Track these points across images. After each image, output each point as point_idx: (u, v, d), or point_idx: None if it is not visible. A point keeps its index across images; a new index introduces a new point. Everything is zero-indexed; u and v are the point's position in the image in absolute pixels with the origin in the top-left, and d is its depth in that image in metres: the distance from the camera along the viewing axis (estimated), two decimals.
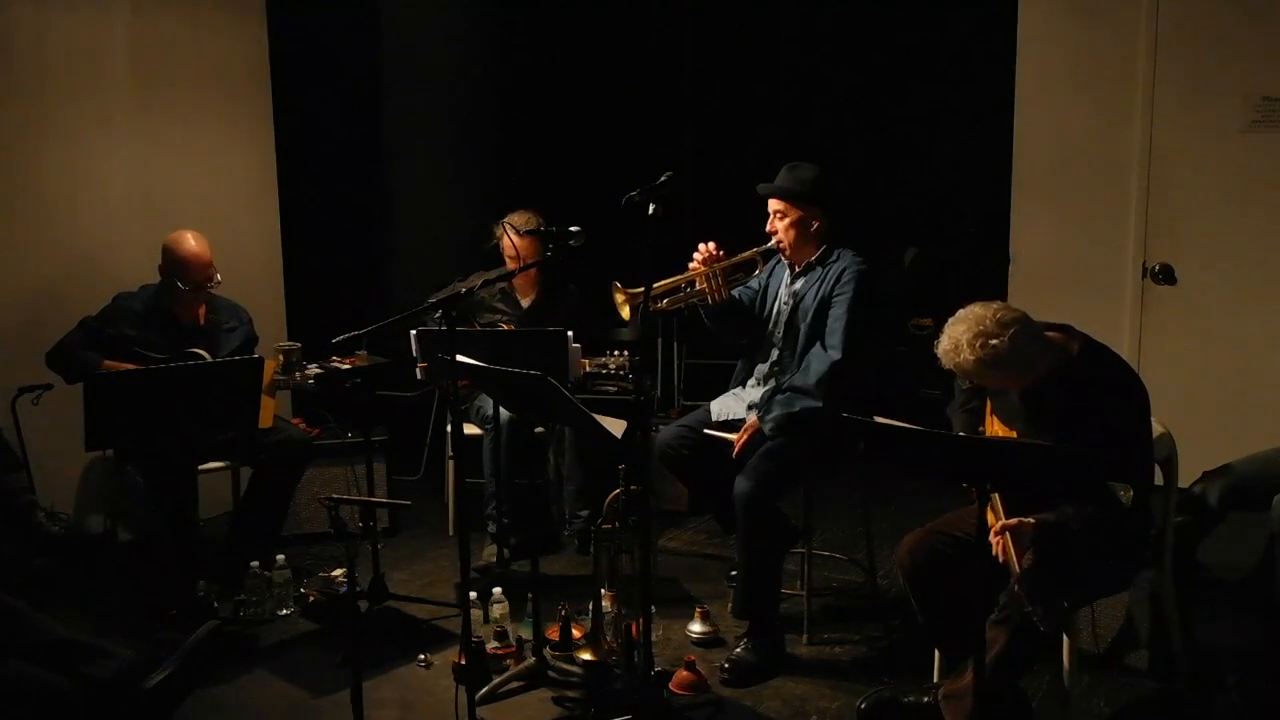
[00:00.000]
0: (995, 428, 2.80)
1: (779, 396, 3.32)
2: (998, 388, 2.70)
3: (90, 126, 4.38)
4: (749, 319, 3.59)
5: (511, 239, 4.16)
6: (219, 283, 3.90)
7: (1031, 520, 2.54)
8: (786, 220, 3.40)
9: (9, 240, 4.16)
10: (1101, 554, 2.64)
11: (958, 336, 2.55)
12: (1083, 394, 2.59)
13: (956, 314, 2.61)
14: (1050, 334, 2.65)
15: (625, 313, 3.40)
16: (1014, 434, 2.74)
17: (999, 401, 2.77)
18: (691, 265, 3.41)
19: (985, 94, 5.15)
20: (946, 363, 2.60)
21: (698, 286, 3.43)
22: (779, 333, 3.51)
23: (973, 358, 2.52)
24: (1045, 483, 2.51)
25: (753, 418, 3.35)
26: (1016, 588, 2.45)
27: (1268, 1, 4.19)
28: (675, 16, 6.36)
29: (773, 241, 3.44)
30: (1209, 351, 4.34)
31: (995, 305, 2.58)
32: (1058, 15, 4.55)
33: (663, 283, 3.37)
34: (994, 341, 2.51)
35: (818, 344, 3.35)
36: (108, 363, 3.74)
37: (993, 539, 2.53)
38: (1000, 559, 2.52)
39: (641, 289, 3.39)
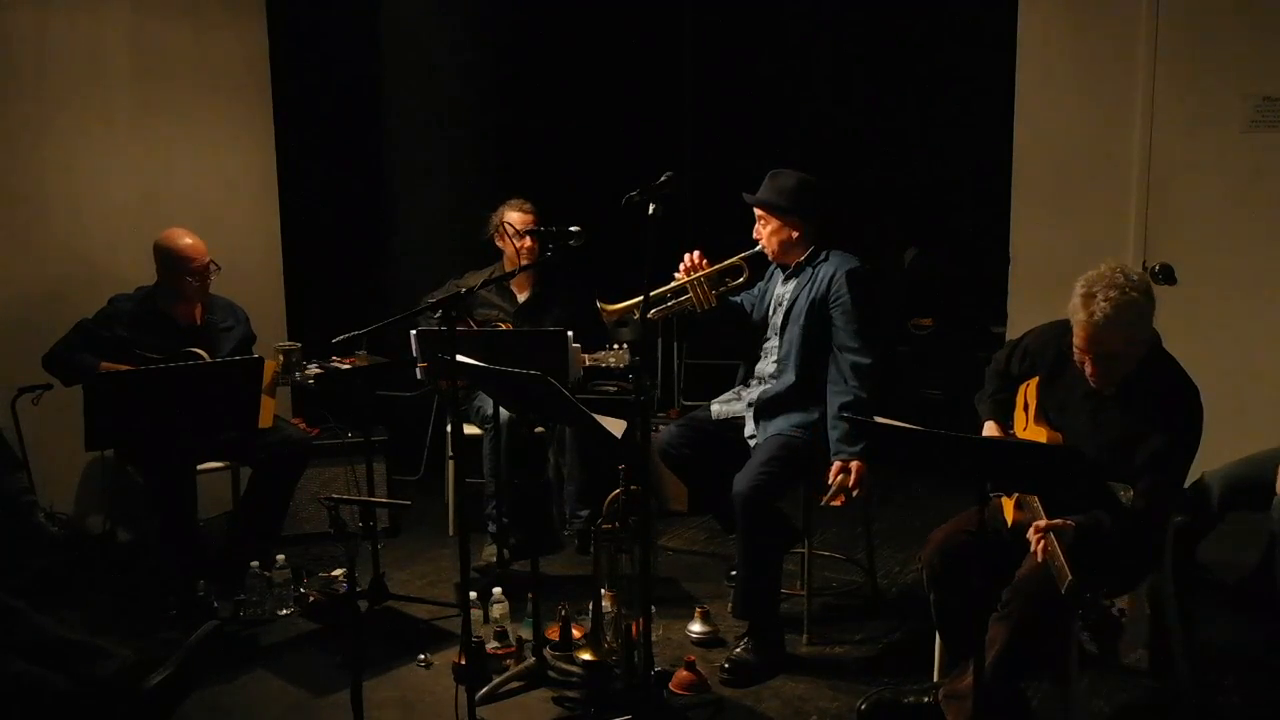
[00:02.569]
0: (1024, 421, 2.79)
1: (841, 419, 3.26)
2: (1105, 365, 2.61)
3: (90, 126, 4.38)
4: (746, 323, 3.63)
5: (515, 231, 4.17)
6: (220, 269, 3.92)
7: (1071, 522, 2.51)
8: (768, 228, 3.50)
9: (9, 240, 4.16)
10: (1122, 556, 2.63)
11: (1116, 294, 2.53)
12: (1152, 397, 2.60)
13: (1102, 275, 2.59)
14: None
15: (608, 322, 3.52)
16: (1045, 429, 2.73)
17: (1053, 390, 2.70)
18: (676, 275, 3.47)
19: (985, 94, 5.15)
20: (1085, 330, 2.56)
21: (685, 296, 3.47)
22: (775, 335, 3.55)
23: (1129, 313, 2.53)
24: (1043, 484, 2.51)
25: (853, 462, 3.22)
26: (1065, 591, 2.36)
27: (1268, 2, 4.19)
28: (675, 16, 6.36)
29: (759, 246, 3.52)
30: (1209, 351, 4.32)
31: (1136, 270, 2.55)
32: (1058, 15, 4.54)
33: (651, 294, 3.36)
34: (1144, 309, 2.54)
35: (841, 354, 3.34)
36: (105, 365, 3.74)
37: (1033, 537, 2.50)
38: (1040, 559, 2.47)
39: (623, 304, 3.44)
